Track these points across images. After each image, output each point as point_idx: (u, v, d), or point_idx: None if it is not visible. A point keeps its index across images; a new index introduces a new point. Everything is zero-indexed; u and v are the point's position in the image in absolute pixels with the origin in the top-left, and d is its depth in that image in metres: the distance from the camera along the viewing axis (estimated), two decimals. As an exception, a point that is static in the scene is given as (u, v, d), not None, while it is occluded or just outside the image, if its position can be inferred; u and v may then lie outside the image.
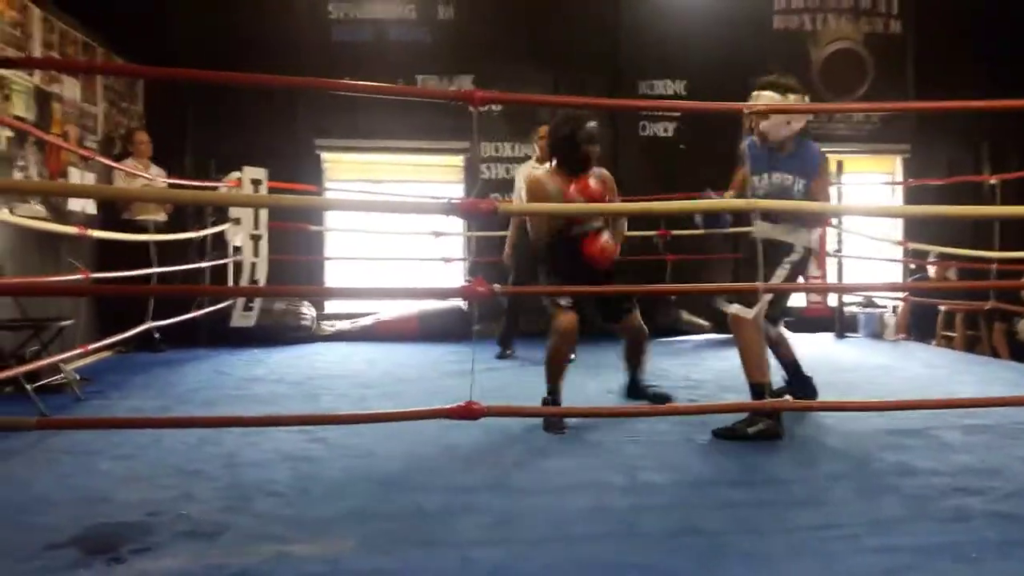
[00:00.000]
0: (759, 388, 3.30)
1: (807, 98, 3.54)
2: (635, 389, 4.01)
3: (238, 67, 2.81)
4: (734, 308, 3.42)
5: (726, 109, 3.05)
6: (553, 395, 3.62)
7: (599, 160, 3.70)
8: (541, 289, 3.57)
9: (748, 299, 3.38)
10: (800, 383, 3.75)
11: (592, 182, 3.52)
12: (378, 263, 7.19)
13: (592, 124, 3.63)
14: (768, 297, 3.42)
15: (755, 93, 3.42)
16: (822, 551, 2.12)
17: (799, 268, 3.51)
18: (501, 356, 5.60)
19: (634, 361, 3.97)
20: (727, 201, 3.70)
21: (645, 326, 3.87)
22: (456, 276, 7.03)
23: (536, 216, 3.67)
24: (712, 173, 6.17)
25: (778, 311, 3.69)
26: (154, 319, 5.25)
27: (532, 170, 3.59)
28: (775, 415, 3.31)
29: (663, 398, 3.92)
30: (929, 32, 7.72)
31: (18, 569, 1.99)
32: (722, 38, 7.39)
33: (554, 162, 3.70)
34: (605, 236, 3.62)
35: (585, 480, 2.76)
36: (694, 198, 3.62)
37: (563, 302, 3.51)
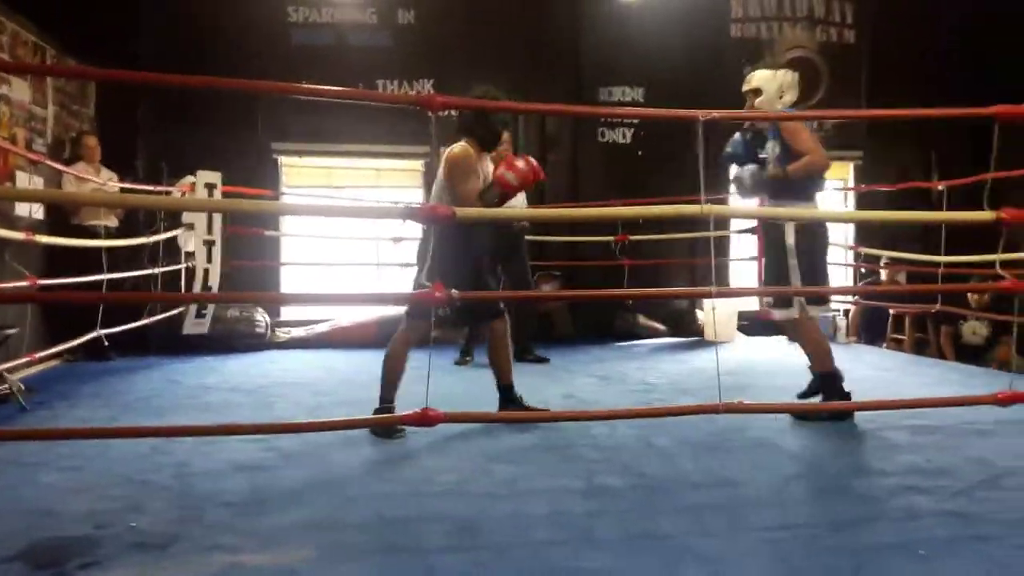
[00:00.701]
0: (827, 377, 3.52)
1: (796, 74, 3.74)
2: (508, 400, 3.71)
3: (196, 70, 2.76)
4: (779, 314, 3.63)
5: (684, 117, 3.07)
6: (388, 403, 3.43)
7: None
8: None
9: (784, 301, 3.62)
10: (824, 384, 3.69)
11: (520, 163, 3.45)
12: (336, 269, 7.13)
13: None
14: (798, 288, 3.60)
15: (749, 74, 3.71)
16: (778, 552, 2.15)
17: (809, 241, 3.56)
18: (460, 362, 5.60)
19: (496, 360, 3.73)
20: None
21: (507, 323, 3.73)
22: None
23: (468, 184, 3.49)
24: (668, 179, 6.27)
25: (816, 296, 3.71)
26: (104, 327, 5.11)
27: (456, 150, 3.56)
28: (846, 396, 3.54)
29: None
30: (882, 42, 7.92)
31: (-42, 586, 1.93)
32: (680, 46, 7.50)
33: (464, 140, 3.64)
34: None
35: (544, 485, 2.76)
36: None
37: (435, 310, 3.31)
